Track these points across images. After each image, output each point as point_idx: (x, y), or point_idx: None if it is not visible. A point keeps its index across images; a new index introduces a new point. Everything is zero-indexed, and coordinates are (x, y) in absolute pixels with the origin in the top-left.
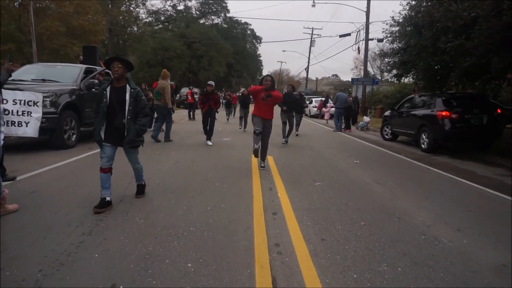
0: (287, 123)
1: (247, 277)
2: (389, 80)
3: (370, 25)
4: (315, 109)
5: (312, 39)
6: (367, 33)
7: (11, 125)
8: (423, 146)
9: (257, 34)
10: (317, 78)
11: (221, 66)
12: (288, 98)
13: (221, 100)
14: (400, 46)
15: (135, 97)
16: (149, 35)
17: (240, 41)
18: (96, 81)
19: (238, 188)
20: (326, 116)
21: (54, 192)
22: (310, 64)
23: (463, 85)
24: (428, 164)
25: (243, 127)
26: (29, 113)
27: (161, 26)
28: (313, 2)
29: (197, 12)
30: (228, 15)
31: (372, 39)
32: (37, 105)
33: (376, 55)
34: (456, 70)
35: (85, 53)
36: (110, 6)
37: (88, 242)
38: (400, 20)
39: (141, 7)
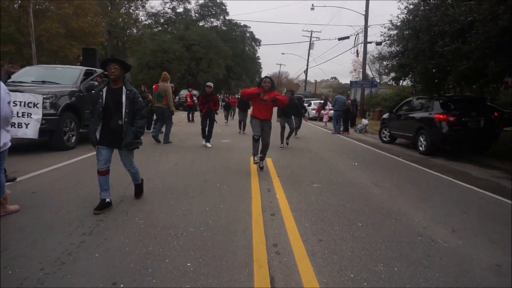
0: (287, 127)
1: (246, 276)
2: (388, 83)
3: (368, 28)
4: (314, 111)
5: (311, 42)
6: (365, 36)
7: (11, 127)
8: (421, 148)
9: (256, 36)
10: (316, 81)
11: (220, 68)
12: (288, 103)
13: (220, 103)
14: (398, 49)
15: (132, 99)
16: (149, 37)
17: (239, 44)
18: (96, 83)
19: (237, 189)
20: (325, 119)
21: (54, 193)
22: (309, 66)
23: (460, 88)
24: (425, 167)
25: (242, 130)
26: (29, 114)
27: (160, 28)
28: (312, 6)
29: (197, 14)
30: (227, 17)
31: (370, 42)
32: (37, 107)
33: (375, 58)
34: (453, 73)
35: (85, 55)
36: (109, 8)
37: (89, 242)
38: (398, 24)
39: (140, 9)
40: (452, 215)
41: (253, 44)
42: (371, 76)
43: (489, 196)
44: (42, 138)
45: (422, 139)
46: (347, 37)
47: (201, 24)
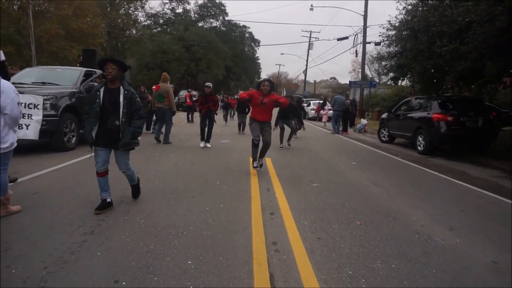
0: (287, 128)
1: (246, 274)
2: (387, 83)
3: (367, 28)
4: (313, 111)
5: (310, 42)
6: (364, 36)
7: None
8: (419, 148)
9: (255, 37)
10: (315, 81)
11: (220, 69)
12: (286, 108)
13: (219, 103)
14: (396, 49)
15: (129, 99)
16: (148, 38)
17: (238, 44)
18: (96, 84)
19: (237, 189)
20: (324, 119)
21: (55, 193)
22: (308, 67)
23: (459, 88)
24: (424, 166)
25: (241, 131)
26: (30, 115)
27: (159, 29)
28: (311, 6)
29: (196, 15)
30: (226, 18)
31: (369, 43)
32: (37, 108)
33: (374, 58)
34: (451, 73)
35: (85, 56)
36: (109, 9)
37: (91, 241)
38: (397, 24)
39: (140, 10)
40: (450, 214)
41: (252, 44)
42: (370, 76)
43: (487, 195)
44: (43, 139)
45: (420, 139)
46: (346, 38)
47: (200, 24)
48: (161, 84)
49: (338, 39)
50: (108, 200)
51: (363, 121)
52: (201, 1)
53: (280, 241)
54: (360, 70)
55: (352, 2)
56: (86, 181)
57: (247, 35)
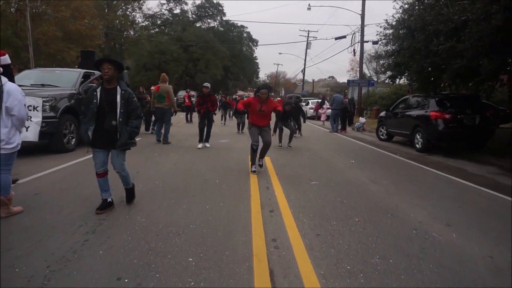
0: (286, 128)
1: (246, 270)
2: (385, 81)
3: (365, 27)
4: (312, 110)
5: (308, 41)
6: (362, 35)
7: None
8: (417, 146)
9: (253, 37)
10: (313, 80)
11: (218, 69)
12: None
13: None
14: (394, 48)
15: (127, 99)
16: (146, 39)
17: (236, 44)
18: (95, 85)
19: (237, 188)
20: (323, 118)
21: (56, 194)
22: (306, 66)
23: (456, 86)
24: (422, 164)
25: (240, 130)
26: (29, 117)
27: (157, 29)
28: (309, 6)
29: (194, 15)
30: (224, 18)
31: (367, 41)
32: (36, 110)
33: (372, 57)
34: (448, 72)
35: (83, 57)
36: (106, 10)
37: (92, 240)
38: (394, 23)
39: (137, 11)
40: (447, 210)
41: (250, 44)
42: (369, 75)
43: (484, 192)
44: (42, 140)
45: (418, 137)
46: (344, 37)
47: (198, 25)
48: (161, 84)
49: (336, 38)
50: (109, 200)
51: (362, 120)
52: (199, 2)
53: (280, 238)
54: (358, 69)
55: (350, 2)
56: (86, 182)
57: (245, 35)
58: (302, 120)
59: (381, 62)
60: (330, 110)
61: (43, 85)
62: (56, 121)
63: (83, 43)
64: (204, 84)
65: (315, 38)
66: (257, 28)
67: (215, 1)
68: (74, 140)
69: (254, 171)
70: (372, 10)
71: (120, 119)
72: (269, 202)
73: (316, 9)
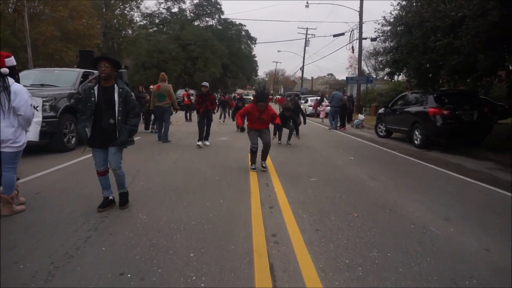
0: (285, 128)
1: (246, 264)
2: (384, 78)
3: (363, 24)
4: (311, 108)
5: (307, 39)
6: (360, 32)
7: None
8: (416, 142)
9: (251, 35)
10: (312, 78)
11: (217, 67)
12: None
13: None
14: (392, 45)
15: (124, 97)
16: (144, 38)
17: (235, 42)
18: (92, 83)
19: (236, 185)
20: (322, 115)
21: (57, 193)
22: (305, 63)
23: (454, 82)
24: (420, 159)
25: (240, 130)
26: None
27: (155, 28)
28: (307, 3)
29: (192, 14)
30: (222, 16)
31: (365, 38)
32: (36, 110)
33: (370, 54)
34: (445, 68)
35: (82, 57)
36: (104, 9)
37: (95, 237)
38: (391, 20)
39: (135, 10)
40: (445, 205)
41: (249, 42)
42: (367, 72)
43: (482, 187)
44: (43, 140)
45: (417, 133)
46: (342, 34)
47: (196, 23)
48: (161, 84)
49: (334, 36)
50: (110, 198)
51: (361, 117)
52: (197, 0)
53: (279, 234)
54: (357, 66)
55: None
56: (87, 181)
57: (243, 33)
58: (302, 121)
59: (380, 59)
60: (329, 108)
61: (42, 85)
62: (56, 120)
63: (81, 42)
64: (202, 84)
65: (313, 36)
66: (255, 26)
67: (213, 0)
68: (74, 139)
69: (254, 169)
70: (369, 8)
71: (119, 118)
72: (269, 198)
73: (314, 6)
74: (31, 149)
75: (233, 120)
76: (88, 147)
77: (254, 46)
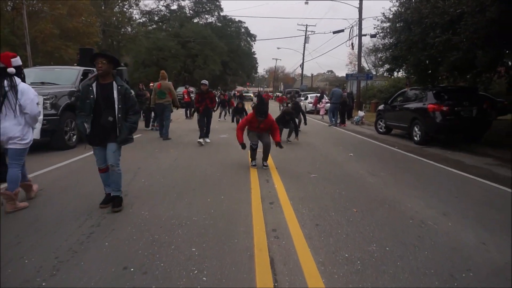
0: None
1: (247, 258)
2: (384, 75)
3: (362, 21)
4: (311, 105)
5: (306, 36)
6: (360, 29)
7: None
8: (415, 138)
9: (251, 32)
10: (312, 74)
11: (216, 64)
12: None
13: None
14: (391, 41)
15: (124, 94)
16: (143, 36)
17: (234, 39)
18: (90, 80)
19: (237, 181)
20: (322, 112)
21: (59, 190)
22: (305, 60)
23: (454, 79)
24: (420, 156)
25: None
26: None
27: (155, 26)
28: (306, 0)
29: (191, 11)
30: (221, 13)
31: (365, 35)
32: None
33: (370, 50)
34: (444, 64)
35: (82, 55)
36: (103, 7)
37: (98, 233)
38: (391, 16)
39: (134, 7)
40: (444, 201)
41: (249, 39)
42: (367, 68)
43: (481, 183)
44: (44, 138)
45: (416, 129)
46: (342, 30)
47: (195, 20)
48: (163, 82)
49: (334, 32)
50: (112, 194)
51: (360, 113)
52: None
53: (280, 229)
54: (357, 63)
55: None
56: (89, 178)
57: (243, 30)
58: (303, 122)
59: (379, 55)
60: (329, 104)
61: (43, 83)
62: (57, 118)
63: (80, 40)
64: (202, 82)
65: (313, 33)
66: (255, 23)
67: None
68: (75, 137)
69: (254, 165)
70: (370, 5)
71: (119, 115)
72: (269, 194)
73: (313, 3)
74: (32, 147)
75: (233, 121)
76: (88, 144)
77: (254, 43)
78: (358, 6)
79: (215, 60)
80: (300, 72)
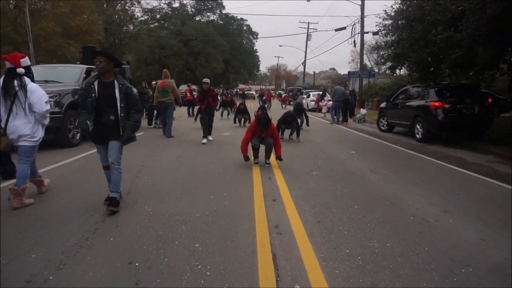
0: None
1: (250, 254)
2: (386, 72)
3: (365, 18)
4: (313, 102)
5: (309, 33)
6: (362, 26)
7: None
8: (417, 136)
9: (253, 29)
10: (314, 72)
11: (218, 62)
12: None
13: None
14: (393, 39)
15: (125, 93)
16: (145, 34)
17: (236, 37)
18: (92, 79)
19: (239, 178)
20: (324, 110)
21: (64, 188)
22: (307, 58)
23: (456, 76)
24: (422, 153)
25: (242, 123)
26: None
27: (157, 24)
28: None
29: (193, 9)
30: (223, 11)
31: (367, 32)
32: None
33: (372, 48)
34: (446, 61)
35: (85, 53)
36: (105, 5)
37: (103, 229)
38: (393, 14)
39: (136, 5)
40: (445, 198)
41: (251, 37)
42: (370, 66)
43: (483, 180)
44: (48, 136)
45: (418, 127)
46: (344, 28)
47: (197, 18)
48: (166, 80)
49: (336, 30)
50: None
51: (363, 111)
52: None
53: (282, 225)
54: (359, 60)
55: None
56: (93, 175)
57: (244, 28)
58: (305, 123)
59: (381, 53)
60: (331, 102)
61: (46, 81)
62: (61, 116)
63: (82, 38)
64: (203, 80)
65: (315, 30)
66: (257, 20)
67: None
68: (78, 135)
69: (257, 163)
70: (372, 2)
71: (122, 114)
72: (272, 191)
73: (315, 1)
74: None
75: (235, 122)
76: (91, 142)
77: (256, 41)
78: (360, 3)
79: (217, 58)
80: (302, 69)
